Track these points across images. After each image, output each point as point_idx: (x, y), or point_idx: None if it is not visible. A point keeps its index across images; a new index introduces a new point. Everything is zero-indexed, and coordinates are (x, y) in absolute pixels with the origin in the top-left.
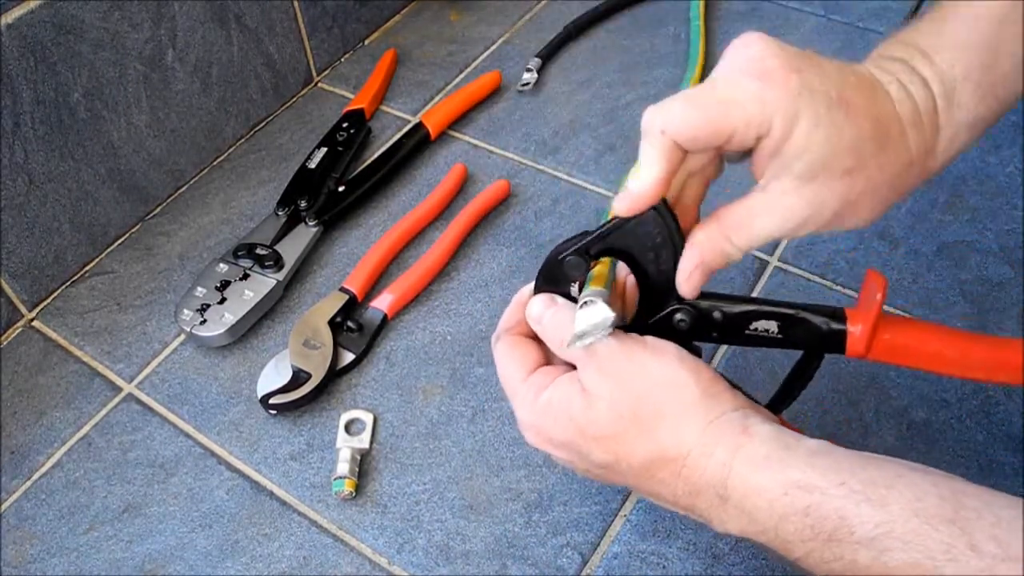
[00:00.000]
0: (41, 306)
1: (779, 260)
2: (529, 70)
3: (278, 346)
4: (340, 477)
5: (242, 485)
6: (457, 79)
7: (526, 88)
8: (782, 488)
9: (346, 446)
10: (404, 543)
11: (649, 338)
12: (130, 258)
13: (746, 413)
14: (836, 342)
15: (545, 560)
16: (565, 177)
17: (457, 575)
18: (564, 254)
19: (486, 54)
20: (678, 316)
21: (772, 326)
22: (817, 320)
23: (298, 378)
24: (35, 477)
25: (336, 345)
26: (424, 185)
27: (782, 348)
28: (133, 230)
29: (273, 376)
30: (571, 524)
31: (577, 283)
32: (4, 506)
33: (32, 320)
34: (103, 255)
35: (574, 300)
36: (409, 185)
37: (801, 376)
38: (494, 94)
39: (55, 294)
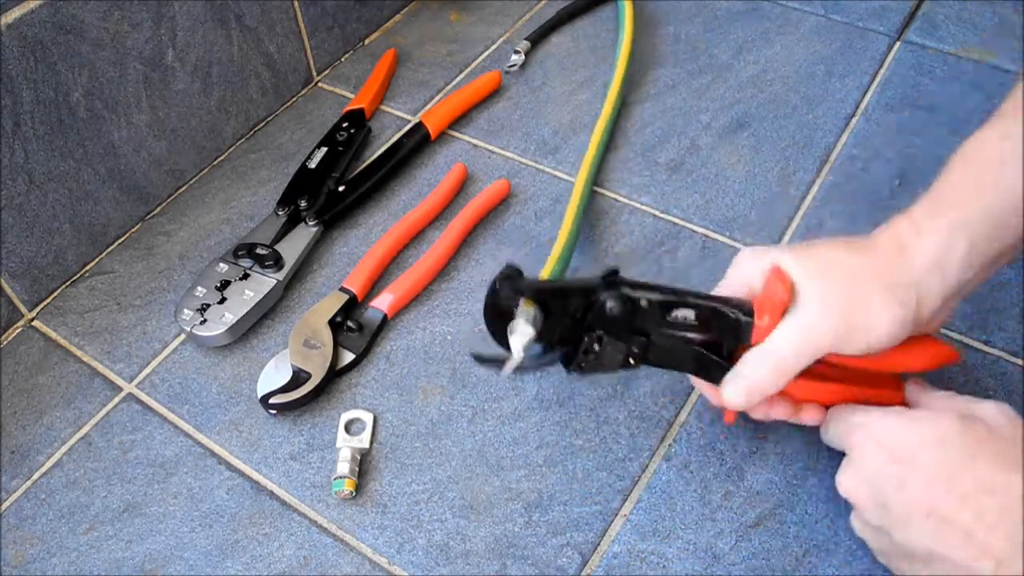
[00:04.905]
0: (41, 306)
1: None
2: (517, 52)
3: (278, 346)
4: (340, 477)
5: (242, 485)
6: (457, 79)
7: (513, 70)
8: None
9: (346, 446)
10: (404, 543)
11: None
12: (130, 258)
13: None
14: (744, 332)
15: (545, 560)
16: (565, 177)
17: (457, 575)
18: (501, 291)
19: (486, 54)
20: (609, 304)
21: (690, 315)
22: (728, 311)
23: (298, 378)
24: (35, 477)
25: (336, 345)
26: (424, 185)
27: (698, 334)
28: (133, 230)
29: (273, 376)
30: (571, 524)
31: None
32: (4, 506)
33: (32, 320)
34: (103, 255)
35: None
36: (409, 185)
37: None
38: (494, 94)
39: (55, 294)
